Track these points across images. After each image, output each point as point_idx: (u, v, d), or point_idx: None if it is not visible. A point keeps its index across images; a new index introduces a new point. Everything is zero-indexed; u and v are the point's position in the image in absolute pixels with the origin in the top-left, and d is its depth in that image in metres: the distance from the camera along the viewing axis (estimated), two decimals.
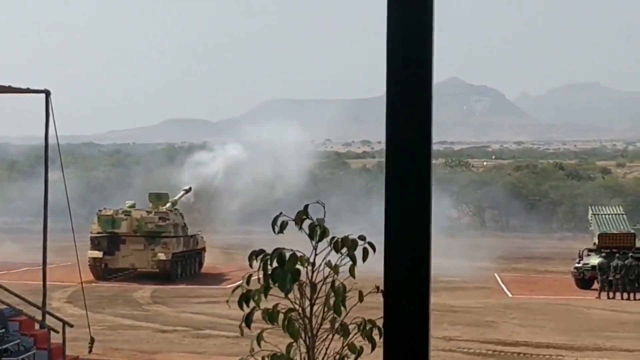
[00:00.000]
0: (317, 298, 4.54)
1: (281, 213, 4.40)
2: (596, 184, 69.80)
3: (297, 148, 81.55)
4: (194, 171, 47.01)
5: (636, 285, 32.18)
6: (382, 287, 2.79)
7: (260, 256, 4.30)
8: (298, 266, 4.32)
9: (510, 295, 32.72)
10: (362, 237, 4.37)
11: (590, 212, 36.83)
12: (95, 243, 33.97)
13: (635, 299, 31.70)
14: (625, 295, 31.92)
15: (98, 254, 33.90)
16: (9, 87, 15.83)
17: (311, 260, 4.37)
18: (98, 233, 34.25)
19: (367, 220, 67.30)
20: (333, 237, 4.34)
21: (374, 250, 4.30)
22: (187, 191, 39.91)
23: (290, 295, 4.56)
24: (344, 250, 4.28)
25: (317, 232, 4.31)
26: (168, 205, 36.30)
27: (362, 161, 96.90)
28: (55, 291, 28.17)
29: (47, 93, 16.25)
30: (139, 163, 78.19)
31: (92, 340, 18.22)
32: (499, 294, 32.92)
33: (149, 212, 35.10)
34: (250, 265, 4.44)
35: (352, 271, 4.33)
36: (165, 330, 24.29)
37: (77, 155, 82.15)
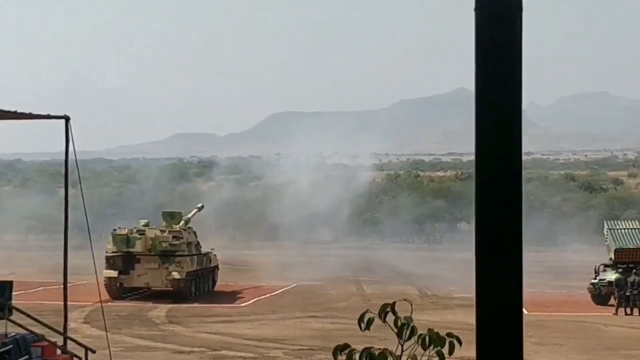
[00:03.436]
0: None
1: (367, 310, 4.39)
2: (609, 195, 69.56)
3: (307, 160, 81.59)
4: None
5: None
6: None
7: (346, 351, 4.25)
8: None
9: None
10: (450, 334, 4.34)
11: (605, 226, 36.58)
12: (110, 262, 34.00)
13: None
14: None
15: (113, 273, 33.95)
16: (30, 113, 15.86)
17: (397, 354, 4.34)
18: (113, 252, 34.27)
19: (377, 231, 66.65)
20: (420, 334, 4.30)
21: (460, 344, 4.30)
22: (199, 209, 39.94)
23: None
24: (431, 347, 4.25)
25: (405, 330, 4.28)
26: (181, 223, 36.30)
27: (371, 174, 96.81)
28: (71, 311, 28.07)
29: (67, 119, 16.24)
30: (150, 178, 78.30)
31: None
32: None
33: (162, 231, 35.11)
34: (335, 359, 4.38)
35: None
36: (182, 351, 24.23)
37: (88, 171, 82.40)
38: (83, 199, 16.43)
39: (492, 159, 2.56)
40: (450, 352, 4.25)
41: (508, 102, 2.46)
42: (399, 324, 4.25)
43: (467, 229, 70.74)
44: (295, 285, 39.92)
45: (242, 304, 34.12)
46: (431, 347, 4.19)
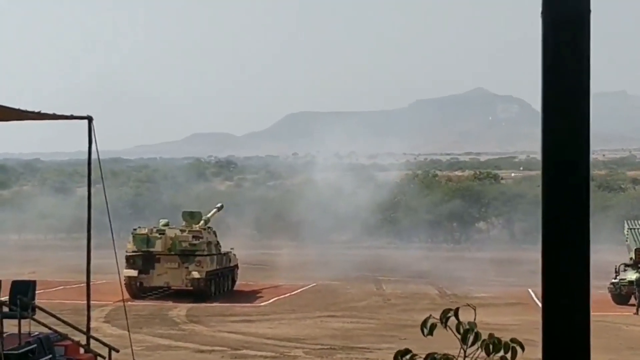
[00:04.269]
0: None
1: (430, 315, 4.39)
2: (628, 195, 69.26)
3: (324, 160, 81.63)
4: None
5: None
6: None
7: (408, 356, 4.23)
8: None
9: None
10: (514, 340, 4.33)
11: (626, 226, 36.42)
12: (130, 262, 34.14)
13: None
14: None
15: (133, 272, 34.07)
16: (54, 114, 15.92)
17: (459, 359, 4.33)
18: (133, 252, 34.41)
19: (395, 231, 66.53)
20: (484, 340, 4.30)
21: (523, 349, 4.31)
22: (219, 209, 40.02)
23: None
24: (494, 354, 4.24)
25: (469, 336, 4.27)
26: (201, 223, 36.40)
27: (389, 173, 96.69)
28: (92, 310, 28.16)
29: (90, 119, 16.29)
30: (167, 178, 78.59)
31: None
32: (534, 311, 32.58)
33: (182, 231, 35.23)
34: None
35: None
36: (203, 350, 24.29)
37: (106, 171, 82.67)
38: (106, 199, 16.50)
39: (559, 162, 2.55)
40: (513, 358, 4.24)
41: (576, 106, 2.44)
42: (462, 329, 4.25)
43: (486, 229, 70.58)
44: (314, 284, 39.95)
45: (262, 304, 34.17)
46: (494, 354, 4.18)
